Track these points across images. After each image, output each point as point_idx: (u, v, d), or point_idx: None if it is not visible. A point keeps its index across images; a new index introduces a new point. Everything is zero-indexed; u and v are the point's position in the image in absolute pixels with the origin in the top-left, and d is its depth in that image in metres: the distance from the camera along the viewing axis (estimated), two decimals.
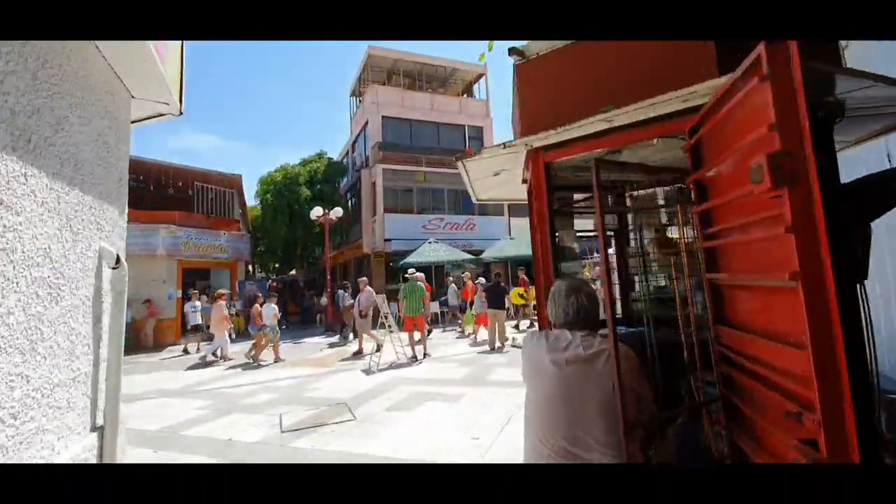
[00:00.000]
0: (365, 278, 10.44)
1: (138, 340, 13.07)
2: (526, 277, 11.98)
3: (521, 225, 19.30)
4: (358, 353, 9.86)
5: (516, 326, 11.86)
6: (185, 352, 11.94)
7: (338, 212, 14.57)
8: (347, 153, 23.61)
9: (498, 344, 8.96)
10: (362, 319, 10.02)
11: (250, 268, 25.73)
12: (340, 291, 12.59)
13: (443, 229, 18.17)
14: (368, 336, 10.41)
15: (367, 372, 7.64)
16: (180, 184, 14.86)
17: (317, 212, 14.12)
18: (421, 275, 9.00)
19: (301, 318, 17.73)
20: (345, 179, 23.01)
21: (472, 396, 5.65)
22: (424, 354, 8.63)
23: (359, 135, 21.40)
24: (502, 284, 9.65)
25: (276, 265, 25.56)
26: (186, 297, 15.14)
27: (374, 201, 18.34)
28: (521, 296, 11.83)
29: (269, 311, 9.94)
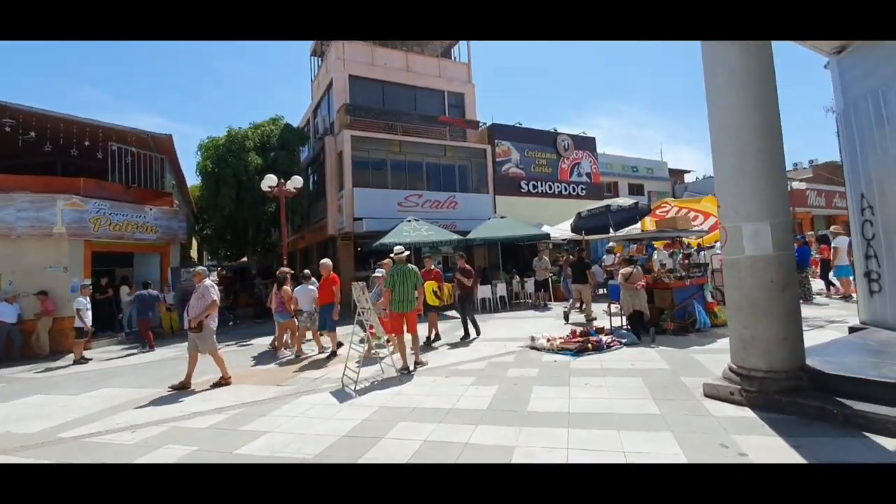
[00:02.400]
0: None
1: (27, 346, 9.96)
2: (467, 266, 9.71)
3: (510, 203, 17.13)
4: (330, 357, 7.42)
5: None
6: (81, 360, 9.01)
7: (296, 181, 11.81)
8: (308, 121, 20.55)
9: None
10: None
11: (194, 253, 22.29)
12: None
13: (421, 207, 15.70)
14: (313, 338, 8.08)
15: (342, 395, 5.20)
16: (87, 143, 11.56)
17: (269, 181, 11.31)
18: (404, 253, 6.60)
19: (255, 312, 14.86)
20: (305, 150, 20.01)
21: (522, 445, 3.36)
22: (416, 364, 6.28)
23: (322, 98, 18.45)
24: (585, 259, 7.76)
25: (227, 252, 22.28)
26: (99, 291, 12.06)
27: (340, 174, 15.59)
28: (435, 293, 8.15)
29: (307, 295, 8.06)
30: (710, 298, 7.87)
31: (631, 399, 4.29)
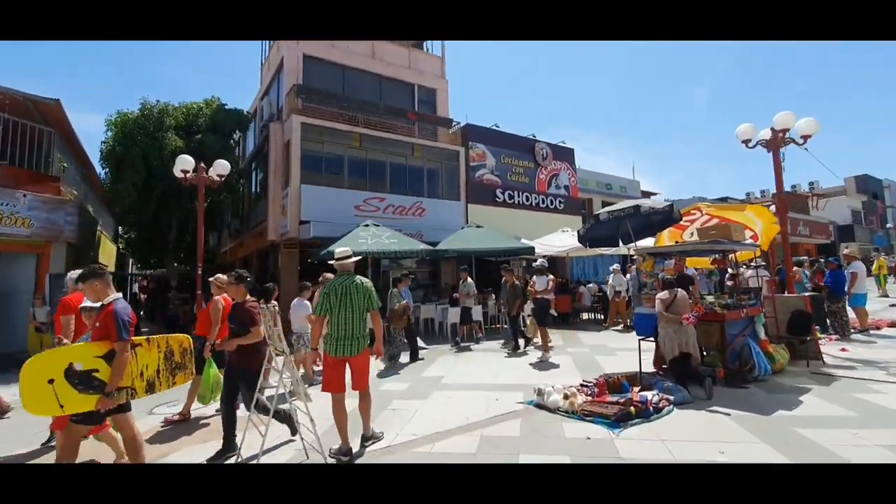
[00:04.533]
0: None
1: None
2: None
3: (484, 213, 15.07)
4: (181, 422, 4.82)
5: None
6: None
7: (221, 167, 9.16)
8: (256, 111, 17.82)
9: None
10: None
11: (107, 260, 18.65)
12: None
13: (383, 212, 13.31)
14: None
15: None
16: None
17: (184, 163, 8.63)
18: (351, 257, 4.19)
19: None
20: (251, 142, 17.24)
21: None
22: (364, 441, 3.88)
23: (272, 82, 15.83)
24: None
25: (154, 259, 18.87)
26: None
27: (287, 168, 12.98)
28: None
29: (300, 310, 6.52)
30: (762, 335, 5.94)
31: None
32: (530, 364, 7.34)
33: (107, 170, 11.63)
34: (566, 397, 4.74)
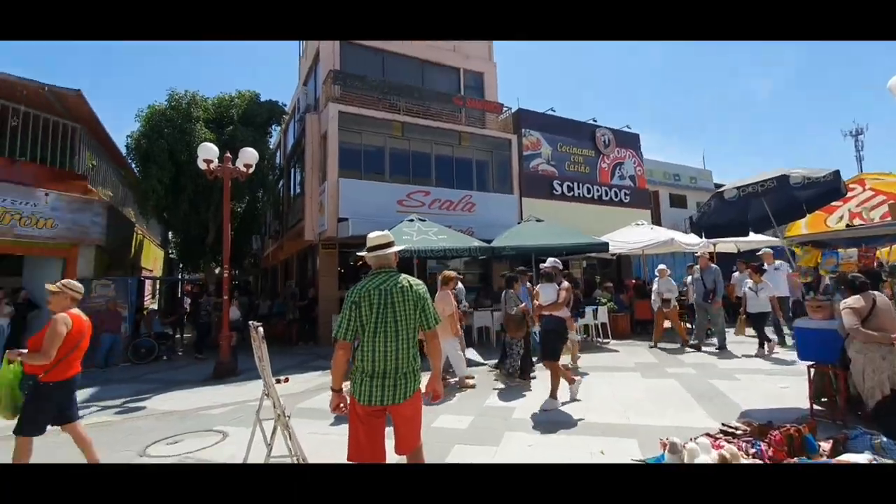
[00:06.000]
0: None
1: None
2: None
3: (539, 208, 13.34)
4: None
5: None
6: None
7: (248, 157, 8.07)
8: (295, 107, 17.03)
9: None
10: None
11: (154, 265, 18.42)
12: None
13: (429, 207, 11.92)
14: None
15: None
16: None
17: (207, 152, 7.59)
18: (391, 245, 2.73)
19: (196, 342, 10.90)
20: (290, 139, 16.43)
21: None
22: None
23: (309, 73, 14.90)
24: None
25: (191, 263, 18.48)
26: None
27: (323, 161, 11.89)
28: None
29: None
30: None
31: None
32: (627, 391, 5.62)
33: (138, 169, 10.97)
34: (723, 459, 3.04)
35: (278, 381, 3.47)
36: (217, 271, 15.31)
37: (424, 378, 2.63)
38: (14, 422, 3.35)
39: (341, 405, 2.50)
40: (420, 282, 2.67)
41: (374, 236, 2.71)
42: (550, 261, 5.70)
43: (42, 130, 9.10)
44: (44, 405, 3.32)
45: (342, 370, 2.49)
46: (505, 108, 14.86)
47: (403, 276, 2.61)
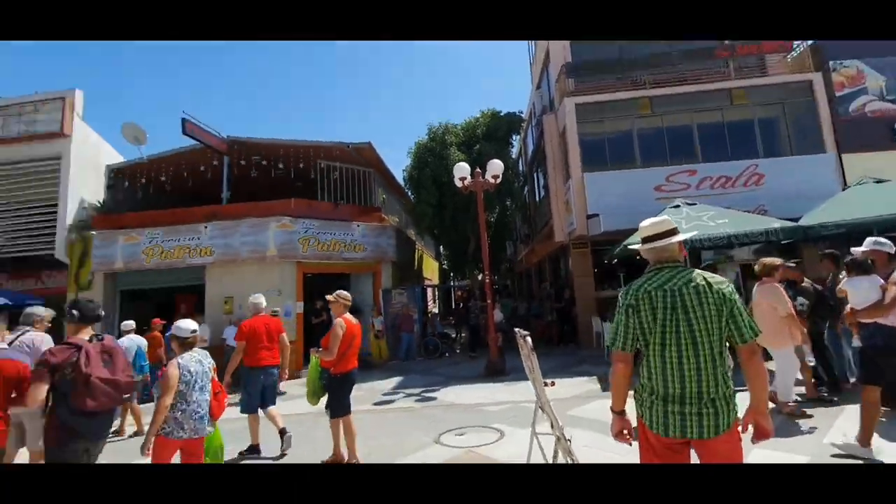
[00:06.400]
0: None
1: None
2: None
3: (875, 165, 9.41)
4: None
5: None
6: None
7: (494, 168, 8.48)
8: (531, 114, 17.40)
9: None
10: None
11: (433, 275, 21.93)
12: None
13: (696, 189, 9.99)
14: None
15: None
16: (301, 165, 11.31)
17: (460, 171, 8.37)
18: (675, 234, 2.04)
19: (469, 342, 12.18)
20: (531, 142, 16.83)
21: None
22: None
23: (541, 77, 14.94)
24: None
25: (458, 271, 21.10)
26: (314, 313, 11.47)
27: (564, 159, 11.55)
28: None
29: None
30: None
31: None
32: None
33: (412, 196, 13.20)
34: None
35: (545, 385, 3.25)
36: (480, 277, 16.95)
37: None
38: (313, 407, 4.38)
39: (624, 431, 2.02)
40: (724, 280, 1.95)
41: (648, 224, 2.13)
42: (870, 242, 3.78)
43: (349, 178, 11.97)
44: (339, 392, 4.05)
45: (623, 388, 2.02)
46: (795, 46, 11.24)
47: (698, 272, 1.95)
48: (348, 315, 4.16)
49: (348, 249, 11.33)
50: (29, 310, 3.94)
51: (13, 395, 2.78)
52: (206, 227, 10.42)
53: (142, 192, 12.42)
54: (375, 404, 6.88)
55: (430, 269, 21.50)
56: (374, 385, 8.48)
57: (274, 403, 4.79)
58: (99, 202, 11.73)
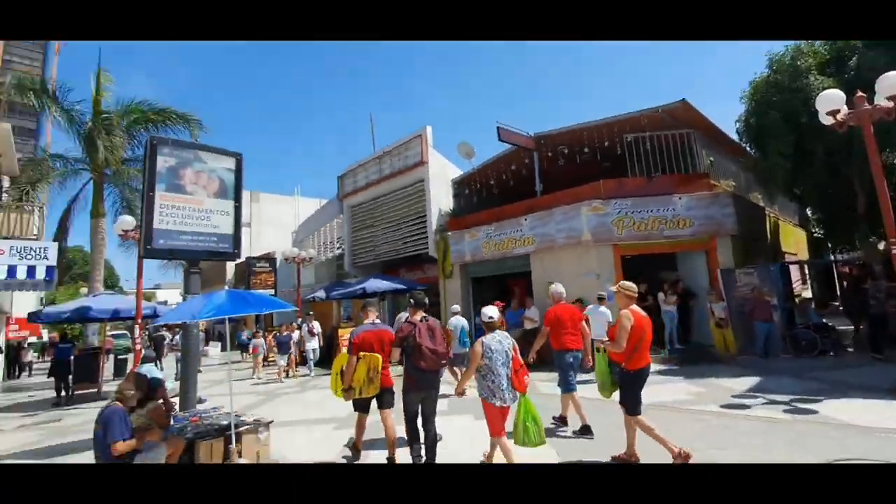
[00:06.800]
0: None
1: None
2: None
3: None
4: None
5: None
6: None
7: (892, 83, 5.55)
8: None
9: None
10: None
11: (798, 248, 16.78)
12: None
13: None
14: None
15: None
16: (606, 144, 10.77)
17: (828, 102, 5.93)
18: None
19: (870, 337, 8.53)
20: None
21: None
22: None
23: None
24: None
25: (837, 239, 15.52)
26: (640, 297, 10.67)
27: None
28: None
29: None
30: None
31: None
32: None
33: (754, 150, 10.36)
34: None
35: None
36: (880, 247, 11.69)
37: None
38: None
39: None
40: None
41: None
42: None
43: (664, 146, 10.55)
44: (633, 388, 3.90)
45: None
46: None
47: None
48: (635, 307, 3.97)
49: (670, 226, 10.05)
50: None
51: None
52: (525, 220, 11.49)
53: (476, 196, 14.94)
54: (723, 406, 5.80)
55: (792, 241, 16.52)
56: (720, 383, 7.20)
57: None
58: (450, 209, 14.88)
